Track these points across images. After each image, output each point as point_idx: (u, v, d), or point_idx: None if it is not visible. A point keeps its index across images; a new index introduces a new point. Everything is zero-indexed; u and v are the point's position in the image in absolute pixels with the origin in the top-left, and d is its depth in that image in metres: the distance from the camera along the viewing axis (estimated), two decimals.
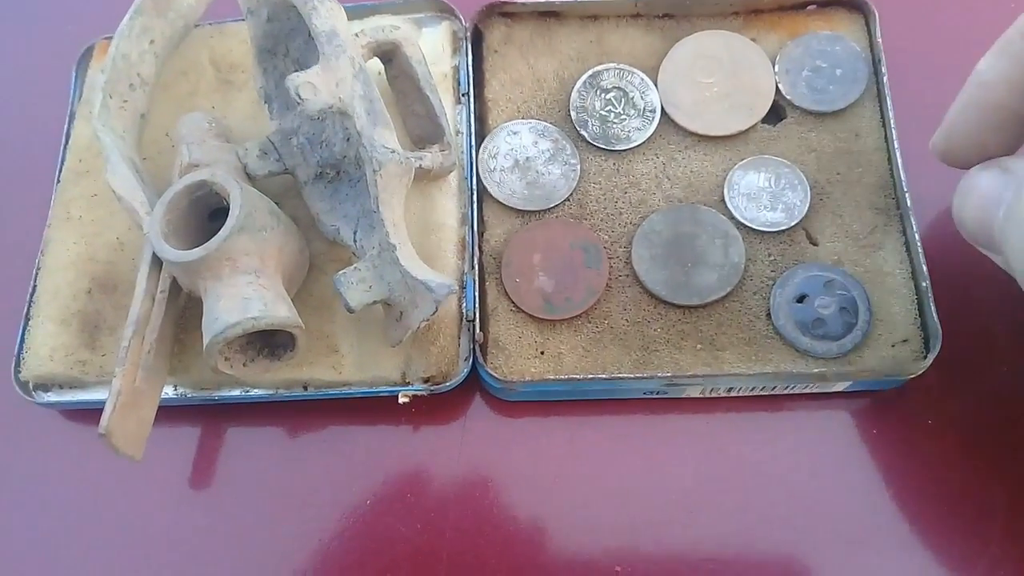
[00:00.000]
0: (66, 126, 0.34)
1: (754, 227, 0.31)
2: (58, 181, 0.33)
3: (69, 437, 0.31)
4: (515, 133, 0.33)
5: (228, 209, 0.26)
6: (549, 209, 0.32)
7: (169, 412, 0.30)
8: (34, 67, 0.38)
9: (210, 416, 0.31)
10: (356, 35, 0.29)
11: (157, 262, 0.28)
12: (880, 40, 0.33)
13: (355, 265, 0.27)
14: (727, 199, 0.32)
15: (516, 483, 0.30)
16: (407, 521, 0.29)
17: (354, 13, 0.34)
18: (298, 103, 0.25)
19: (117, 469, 0.30)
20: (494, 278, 0.31)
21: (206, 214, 0.29)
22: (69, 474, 0.31)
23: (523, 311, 0.31)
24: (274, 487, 0.30)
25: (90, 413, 0.31)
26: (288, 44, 0.30)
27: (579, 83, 0.34)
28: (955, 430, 0.30)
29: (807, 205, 0.31)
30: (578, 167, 0.32)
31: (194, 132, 0.29)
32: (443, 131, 0.31)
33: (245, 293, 0.26)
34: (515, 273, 0.31)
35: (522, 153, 0.33)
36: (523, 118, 0.34)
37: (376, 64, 0.31)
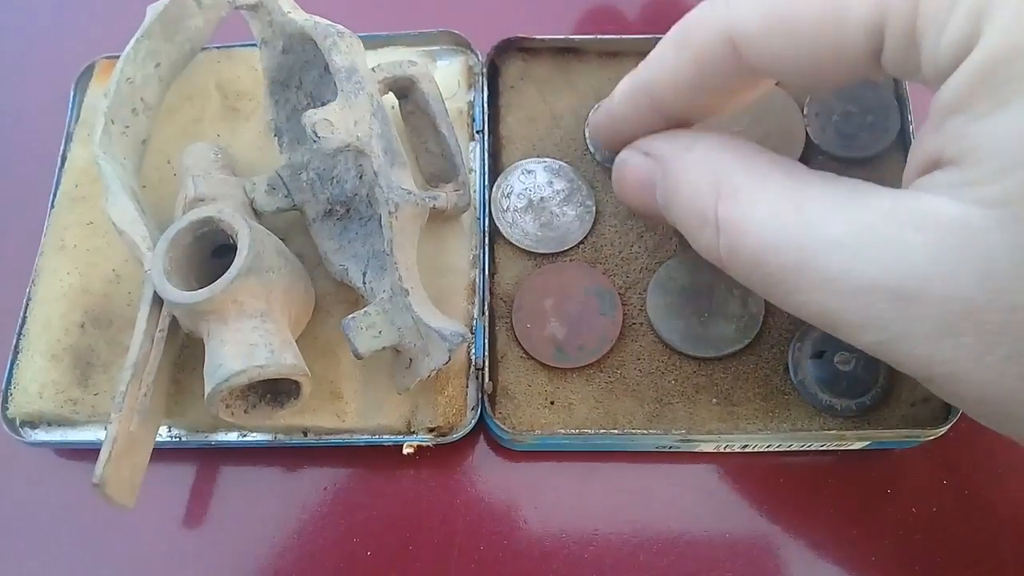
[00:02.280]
0: (62, 147, 0.33)
1: None
2: (52, 206, 0.32)
3: (60, 475, 0.30)
4: (529, 172, 0.32)
5: (232, 245, 0.25)
6: (563, 252, 0.31)
7: (163, 452, 0.29)
8: (31, 84, 0.37)
9: (206, 457, 0.30)
10: (373, 69, 0.28)
11: (158, 301, 0.27)
12: (907, 86, 0.32)
13: (364, 309, 0.26)
14: None
15: (522, 534, 0.29)
16: (408, 573, 0.28)
17: (367, 44, 0.33)
18: (314, 141, 0.24)
19: (110, 508, 0.28)
20: (504, 322, 0.30)
21: (210, 250, 0.27)
22: (60, 513, 0.30)
23: (533, 358, 0.30)
24: (270, 533, 0.29)
25: (82, 451, 0.30)
26: (302, 76, 0.28)
27: None
28: (971, 490, 0.29)
29: None
30: (593, 208, 0.32)
31: (199, 163, 0.28)
32: (458, 170, 0.30)
33: (251, 339, 0.24)
34: (526, 318, 0.30)
35: (536, 193, 0.32)
36: (538, 156, 0.33)
37: (390, 98, 0.30)
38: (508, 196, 0.32)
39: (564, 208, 0.31)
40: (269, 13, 0.27)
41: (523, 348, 0.30)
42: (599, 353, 0.29)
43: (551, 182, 0.32)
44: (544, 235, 0.31)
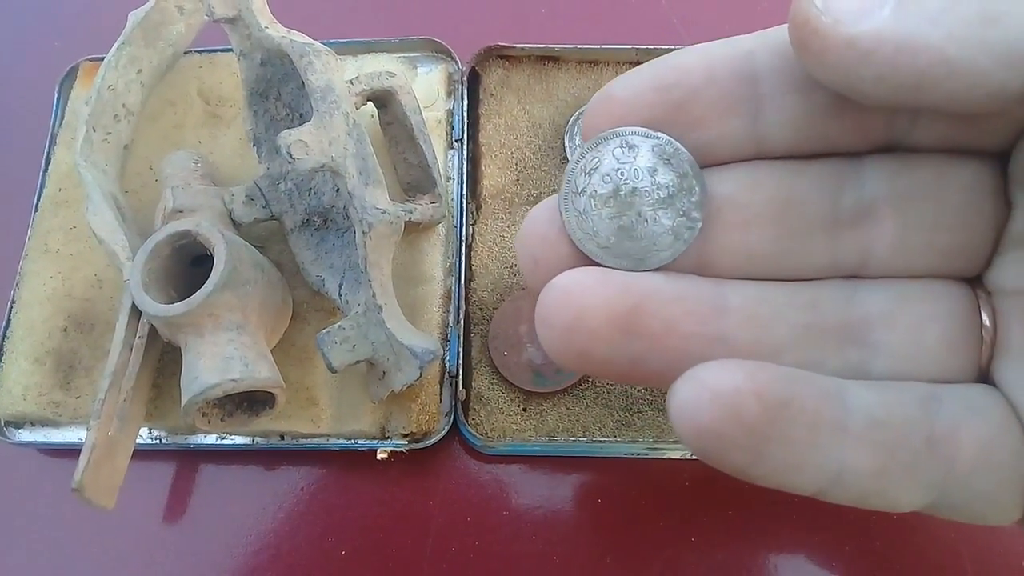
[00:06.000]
0: (46, 150, 0.33)
1: None
2: (36, 209, 0.32)
3: (44, 473, 0.31)
4: (632, 147, 0.20)
5: (211, 255, 0.26)
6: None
7: (144, 453, 0.30)
8: (14, 86, 0.37)
9: (185, 458, 0.31)
10: (351, 83, 0.28)
11: (137, 310, 0.27)
12: None
13: (339, 323, 0.27)
14: None
15: (493, 537, 0.29)
16: (382, 573, 0.29)
17: (348, 49, 0.33)
18: (289, 162, 0.24)
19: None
20: (480, 329, 0.31)
21: (189, 260, 0.28)
22: (44, 510, 0.30)
23: (515, 386, 0.30)
24: (247, 532, 0.30)
25: (65, 451, 0.31)
26: (280, 88, 0.29)
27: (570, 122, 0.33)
28: None
29: None
30: (699, 223, 0.20)
31: (179, 173, 0.29)
32: (434, 183, 0.30)
33: (226, 352, 0.25)
34: (502, 347, 0.30)
35: (629, 180, 0.21)
36: (516, 165, 0.33)
37: (369, 107, 0.30)
38: (590, 173, 0.20)
39: (658, 213, 0.20)
40: (247, 27, 0.28)
41: (502, 376, 0.30)
42: (577, 375, 0.30)
43: (656, 170, 0.20)
44: (618, 243, 0.20)
